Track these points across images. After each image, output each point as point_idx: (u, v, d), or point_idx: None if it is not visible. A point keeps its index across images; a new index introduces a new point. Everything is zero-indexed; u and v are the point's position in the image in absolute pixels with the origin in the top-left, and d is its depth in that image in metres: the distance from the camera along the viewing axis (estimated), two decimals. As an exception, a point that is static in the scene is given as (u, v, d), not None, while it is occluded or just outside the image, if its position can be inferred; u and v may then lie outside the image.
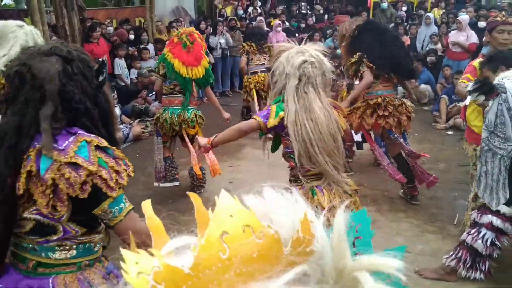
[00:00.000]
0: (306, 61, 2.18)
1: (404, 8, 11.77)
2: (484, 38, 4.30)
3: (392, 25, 10.86)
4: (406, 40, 9.76)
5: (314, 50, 2.24)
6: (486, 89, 2.69)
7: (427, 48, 9.16)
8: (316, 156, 2.20)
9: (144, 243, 1.37)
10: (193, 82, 4.29)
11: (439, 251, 3.36)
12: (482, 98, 2.74)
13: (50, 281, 1.50)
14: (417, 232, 3.77)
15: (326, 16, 12.16)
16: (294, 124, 2.19)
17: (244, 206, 0.46)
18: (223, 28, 9.30)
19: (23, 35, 2.83)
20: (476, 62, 3.49)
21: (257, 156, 4.92)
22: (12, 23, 2.91)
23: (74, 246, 1.50)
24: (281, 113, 2.28)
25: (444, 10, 10.78)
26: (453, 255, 3.03)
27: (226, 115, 4.68)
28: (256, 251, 0.43)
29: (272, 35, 9.08)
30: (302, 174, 2.33)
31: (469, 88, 2.81)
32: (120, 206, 1.48)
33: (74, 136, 1.42)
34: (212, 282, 0.41)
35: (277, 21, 9.93)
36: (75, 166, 1.37)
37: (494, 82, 2.71)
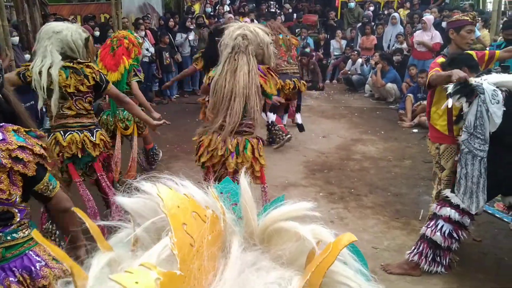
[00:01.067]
0: (241, 34, 2.70)
1: (371, 8, 11.97)
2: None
3: (359, 24, 11.06)
4: (373, 39, 9.96)
5: (253, 26, 2.82)
6: (467, 91, 2.67)
7: (393, 48, 9.36)
8: (221, 108, 2.74)
9: (68, 207, 1.65)
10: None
11: (404, 247, 3.43)
12: (463, 100, 2.70)
13: (32, 253, 1.61)
14: (383, 228, 3.84)
15: (294, 15, 12.22)
16: (216, 81, 2.75)
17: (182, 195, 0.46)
18: (191, 24, 9.23)
19: (58, 41, 2.96)
20: (440, 60, 3.49)
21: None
22: (50, 28, 3.00)
23: (29, 223, 1.67)
24: (211, 74, 2.84)
25: (409, 11, 11.03)
26: (415, 250, 3.11)
27: (156, 115, 3.89)
28: (209, 234, 0.45)
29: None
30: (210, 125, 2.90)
31: (450, 90, 2.76)
32: (53, 178, 1.67)
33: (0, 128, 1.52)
34: (195, 275, 0.42)
35: (246, 19, 9.91)
36: (22, 148, 1.53)
37: (472, 84, 2.70)
